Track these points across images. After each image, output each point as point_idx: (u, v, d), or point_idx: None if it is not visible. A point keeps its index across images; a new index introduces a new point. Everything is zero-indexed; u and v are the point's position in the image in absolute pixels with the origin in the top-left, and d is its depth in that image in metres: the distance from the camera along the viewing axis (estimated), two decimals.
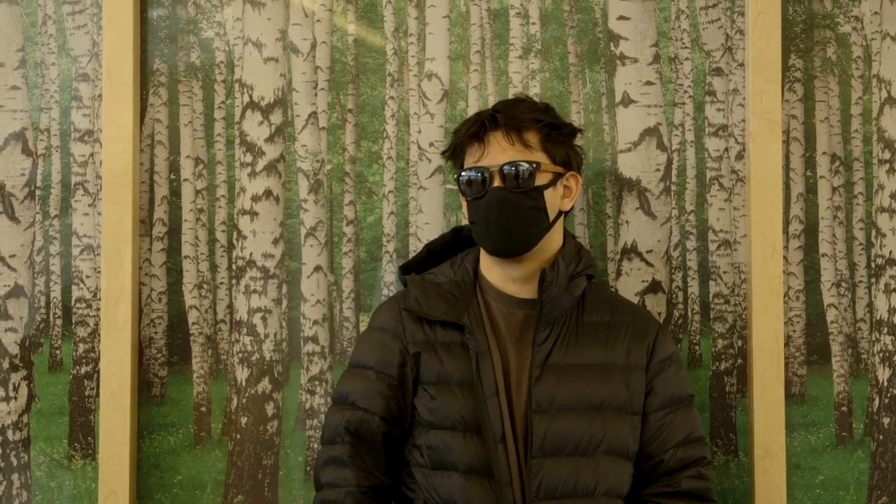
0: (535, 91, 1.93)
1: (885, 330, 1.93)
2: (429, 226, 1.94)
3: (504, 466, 1.55)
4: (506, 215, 1.60)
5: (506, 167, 1.60)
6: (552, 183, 1.64)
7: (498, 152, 1.61)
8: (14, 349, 1.90)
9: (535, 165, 1.61)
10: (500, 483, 1.54)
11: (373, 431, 1.63)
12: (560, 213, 1.67)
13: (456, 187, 1.80)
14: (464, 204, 1.72)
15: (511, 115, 1.63)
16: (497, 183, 1.60)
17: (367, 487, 1.61)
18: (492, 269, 1.69)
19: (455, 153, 1.71)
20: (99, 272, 1.89)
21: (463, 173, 1.64)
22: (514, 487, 1.54)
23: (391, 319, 1.68)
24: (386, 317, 1.70)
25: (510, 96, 1.91)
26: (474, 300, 1.67)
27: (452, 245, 1.79)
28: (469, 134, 1.65)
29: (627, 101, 1.94)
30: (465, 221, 1.82)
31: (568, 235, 1.72)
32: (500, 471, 1.54)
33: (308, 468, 1.89)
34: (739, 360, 1.92)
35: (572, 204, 1.70)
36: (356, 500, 1.60)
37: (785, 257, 1.93)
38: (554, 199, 1.65)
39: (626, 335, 1.67)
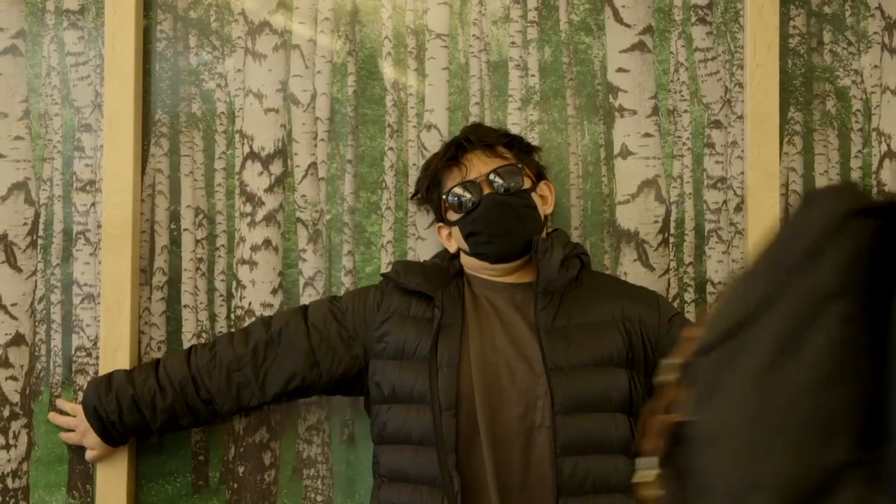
0: (533, 142, 1.93)
1: None
2: None
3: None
4: (505, 216, 1.66)
5: (492, 175, 1.67)
6: (532, 189, 1.71)
7: (481, 166, 1.68)
8: (15, 397, 1.91)
9: (519, 167, 1.69)
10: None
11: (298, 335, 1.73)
12: (545, 217, 1.74)
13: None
14: (443, 236, 1.77)
15: (481, 135, 1.72)
16: (487, 191, 1.66)
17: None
18: (482, 273, 1.72)
19: (431, 186, 1.75)
20: (99, 321, 1.90)
21: (451, 195, 1.68)
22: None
23: (374, 288, 1.76)
24: (367, 288, 1.79)
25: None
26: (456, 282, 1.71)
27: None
28: (447, 158, 1.72)
29: (626, 153, 1.94)
30: None
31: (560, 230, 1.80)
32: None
33: None
34: None
35: (551, 209, 1.78)
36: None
37: None
38: (538, 203, 1.72)
39: (628, 297, 1.70)
